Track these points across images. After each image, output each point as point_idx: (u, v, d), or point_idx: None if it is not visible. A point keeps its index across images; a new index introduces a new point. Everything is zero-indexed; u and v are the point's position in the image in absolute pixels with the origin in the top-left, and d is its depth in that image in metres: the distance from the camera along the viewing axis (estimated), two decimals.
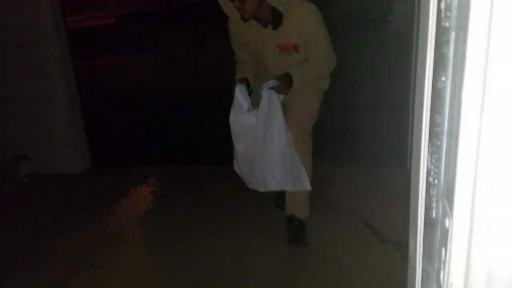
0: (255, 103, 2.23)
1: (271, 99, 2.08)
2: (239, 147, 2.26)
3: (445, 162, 0.47)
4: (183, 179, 3.25)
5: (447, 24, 0.43)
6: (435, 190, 0.49)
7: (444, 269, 0.49)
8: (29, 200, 3.10)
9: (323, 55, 2.14)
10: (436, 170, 0.48)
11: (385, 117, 3.56)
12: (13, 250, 2.50)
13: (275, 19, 2.09)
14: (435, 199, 0.49)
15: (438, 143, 0.47)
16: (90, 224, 2.76)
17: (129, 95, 4.85)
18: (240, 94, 2.18)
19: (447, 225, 0.47)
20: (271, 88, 2.06)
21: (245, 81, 2.23)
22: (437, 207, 0.49)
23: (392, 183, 2.77)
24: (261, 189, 2.29)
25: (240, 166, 2.35)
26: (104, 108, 4.39)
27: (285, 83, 2.07)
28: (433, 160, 0.49)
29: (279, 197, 2.50)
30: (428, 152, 0.49)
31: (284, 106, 2.18)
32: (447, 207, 0.47)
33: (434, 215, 0.50)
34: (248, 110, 2.17)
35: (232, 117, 2.21)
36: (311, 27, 2.08)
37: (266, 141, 2.15)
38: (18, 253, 2.47)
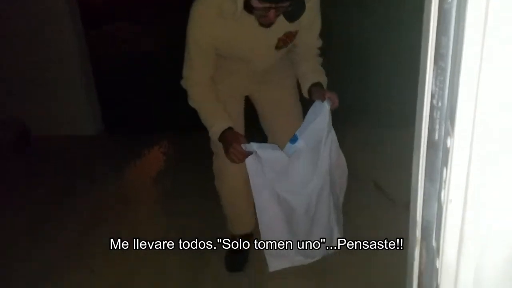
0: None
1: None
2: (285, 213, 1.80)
3: (449, 84, 0.49)
4: (193, 143, 3.28)
5: None
6: (438, 113, 0.51)
7: (445, 188, 0.51)
8: (44, 162, 3.18)
9: (318, 37, 1.84)
10: (440, 93, 0.50)
11: (396, 80, 3.53)
12: (28, 212, 2.59)
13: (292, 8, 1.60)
14: (438, 121, 0.51)
15: (443, 65, 0.49)
16: (105, 185, 2.84)
17: (140, 62, 4.85)
18: (264, 151, 1.65)
19: (448, 144, 0.49)
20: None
21: (238, 133, 1.71)
22: (439, 129, 0.51)
23: (401, 145, 2.78)
24: (320, 254, 1.97)
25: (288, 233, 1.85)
26: (115, 75, 4.41)
27: (334, 96, 1.73)
28: (438, 83, 0.50)
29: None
30: (433, 76, 0.51)
31: (264, 101, 1.95)
32: (449, 127, 0.49)
33: (436, 137, 0.52)
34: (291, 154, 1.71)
35: (258, 183, 1.69)
36: (317, 11, 1.75)
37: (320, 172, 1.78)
38: (32, 215, 2.56)
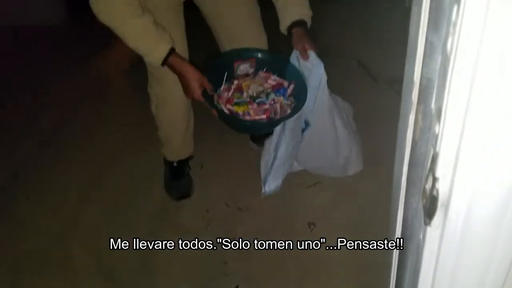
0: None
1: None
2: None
3: None
4: None
5: None
6: None
7: (453, 34, 0.40)
8: (13, 51, 2.96)
9: None
10: None
11: None
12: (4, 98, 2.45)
13: None
14: None
15: None
16: (77, 76, 2.67)
17: None
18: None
19: None
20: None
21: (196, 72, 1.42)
22: None
23: (387, 22, 2.61)
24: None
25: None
26: None
27: (315, 47, 1.51)
28: None
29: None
30: None
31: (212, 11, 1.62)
32: None
33: None
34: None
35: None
36: None
37: None
38: (8, 101, 2.43)
